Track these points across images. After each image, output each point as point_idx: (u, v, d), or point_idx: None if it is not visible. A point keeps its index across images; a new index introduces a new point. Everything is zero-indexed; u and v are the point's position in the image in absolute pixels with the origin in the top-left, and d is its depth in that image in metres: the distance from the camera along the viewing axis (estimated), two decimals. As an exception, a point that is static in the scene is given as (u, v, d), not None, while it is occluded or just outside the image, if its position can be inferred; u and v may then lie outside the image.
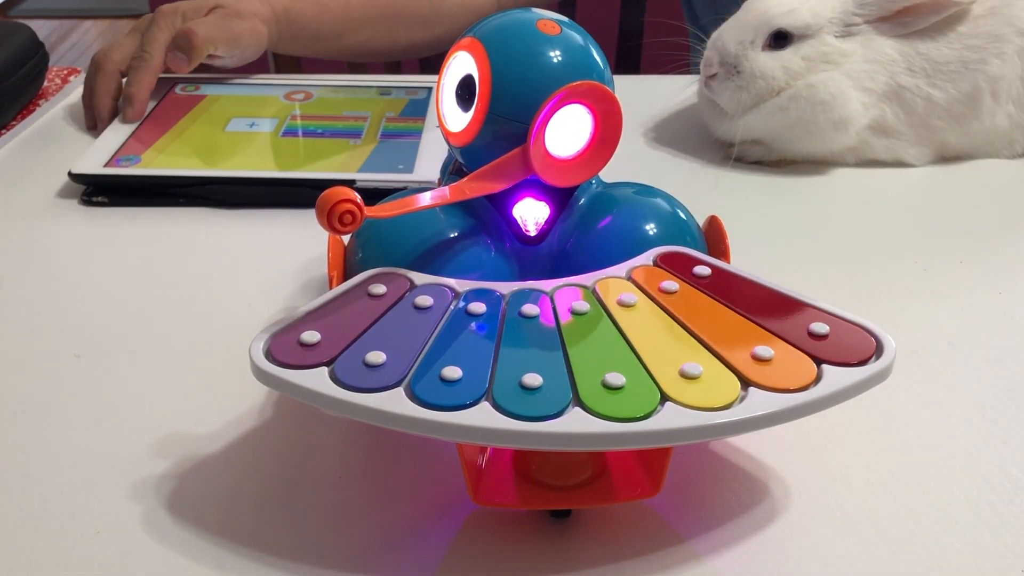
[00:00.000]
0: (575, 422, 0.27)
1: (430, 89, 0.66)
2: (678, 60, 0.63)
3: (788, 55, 0.55)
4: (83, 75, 0.70)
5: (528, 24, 0.36)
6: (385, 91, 0.66)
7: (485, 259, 0.36)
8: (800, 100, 0.55)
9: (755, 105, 0.56)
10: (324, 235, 0.37)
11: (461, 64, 0.36)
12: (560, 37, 0.35)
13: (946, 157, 0.59)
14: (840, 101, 0.55)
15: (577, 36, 0.36)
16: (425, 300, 0.32)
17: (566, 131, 0.35)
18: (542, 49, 0.35)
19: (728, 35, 0.56)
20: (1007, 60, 0.56)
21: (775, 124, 0.56)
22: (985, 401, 0.38)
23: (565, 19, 0.37)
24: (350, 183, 0.52)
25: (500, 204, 0.37)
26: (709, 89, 0.58)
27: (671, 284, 0.34)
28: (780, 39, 0.55)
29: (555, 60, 0.35)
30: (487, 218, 0.37)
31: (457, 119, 0.36)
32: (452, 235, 0.36)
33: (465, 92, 0.36)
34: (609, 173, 0.37)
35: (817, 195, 0.56)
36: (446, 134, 0.38)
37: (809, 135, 0.56)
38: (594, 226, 0.37)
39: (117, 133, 0.58)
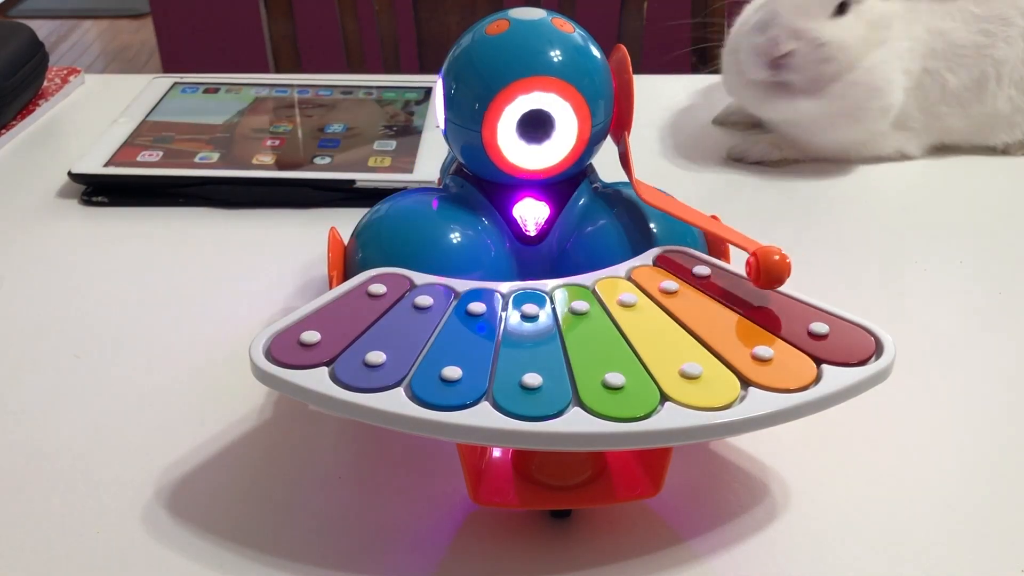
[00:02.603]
0: (575, 422, 0.27)
1: (430, 89, 0.66)
2: (678, 59, 0.63)
3: (851, 21, 0.54)
4: (83, 75, 0.71)
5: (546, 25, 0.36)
6: (385, 91, 0.66)
7: (485, 259, 0.36)
8: (859, 87, 0.54)
9: (832, 80, 0.54)
10: (324, 235, 0.37)
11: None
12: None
13: (945, 143, 0.59)
14: (892, 87, 0.55)
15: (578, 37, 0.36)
16: (425, 300, 0.32)
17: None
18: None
19: (789, 12, 0.54)
20: (1012, 43, 0.56)
21: (828, 110, 0.55)
22: (985, 401, 0.38)
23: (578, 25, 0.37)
24: (350, 183, 0.52)
25: (500, 204, 0.37)
26: (778, 70, 0.54)
27: (671, 284, 0.34)
28: (842, 7, 0.54)
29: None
30: (487, 218, 0.37)
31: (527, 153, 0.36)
32: (452, 235, 0.36)
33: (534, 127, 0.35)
34: (609, 173, 0.37)
35: (817, 195, 0.56)
36: (512, 170, 0.37)
37: (856, 121, 0.56)
38: (594, 226, 0.37)
39: (117, 133, 0.58)
